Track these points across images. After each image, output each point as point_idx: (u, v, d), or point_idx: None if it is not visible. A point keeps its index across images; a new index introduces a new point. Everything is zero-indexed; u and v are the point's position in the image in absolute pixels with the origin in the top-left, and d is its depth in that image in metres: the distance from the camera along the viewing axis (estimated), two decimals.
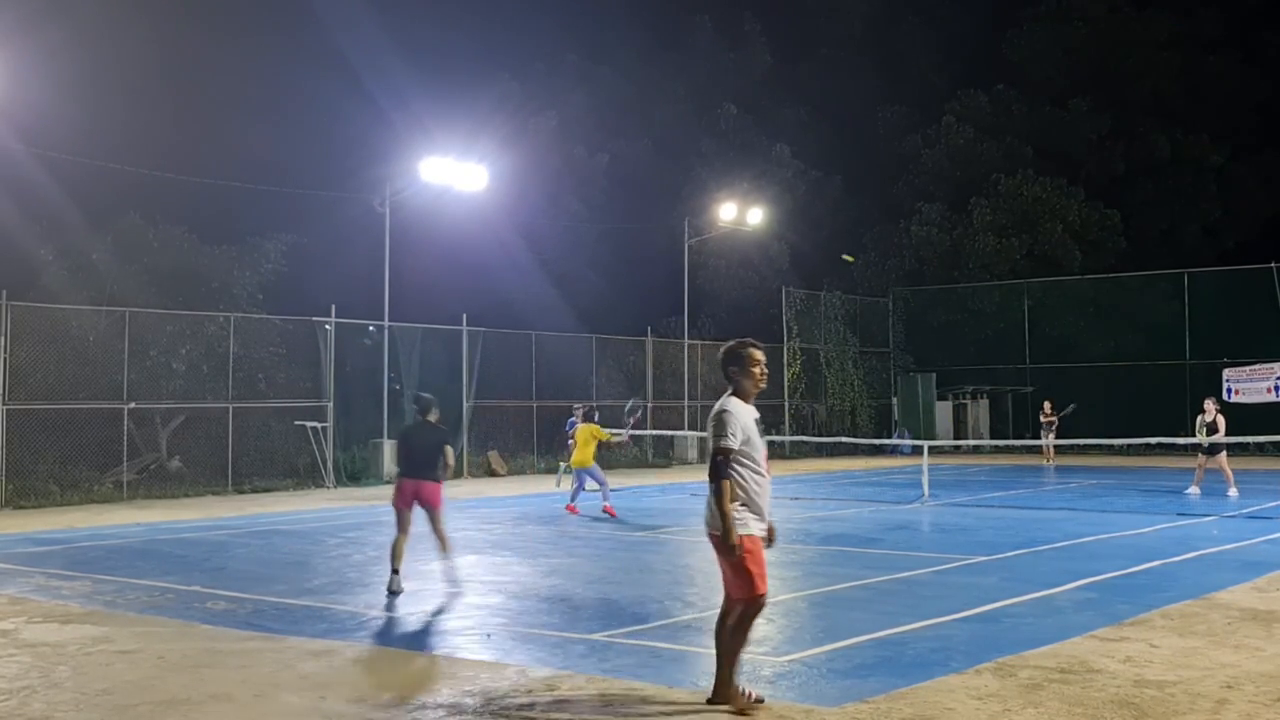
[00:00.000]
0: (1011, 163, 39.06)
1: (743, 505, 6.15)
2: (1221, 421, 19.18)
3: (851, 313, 36.60)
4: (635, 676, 6.93)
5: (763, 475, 6.27)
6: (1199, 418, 19.52)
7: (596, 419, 17.53)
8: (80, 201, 24.31)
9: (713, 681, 6.28)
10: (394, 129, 31.68)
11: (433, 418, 10.65)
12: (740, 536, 6.10)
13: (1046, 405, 28.93)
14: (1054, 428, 28.38)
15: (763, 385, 6.49)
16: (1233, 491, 18.87)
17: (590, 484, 16.90)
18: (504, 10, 40.16)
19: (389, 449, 23.80)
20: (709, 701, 6.21)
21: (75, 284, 21.82)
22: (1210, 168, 41.07)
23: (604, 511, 16.44)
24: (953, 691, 6.47)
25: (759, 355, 6.48)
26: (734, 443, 6.15)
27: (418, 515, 10.42)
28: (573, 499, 17.02)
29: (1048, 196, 37.71)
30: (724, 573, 6.28)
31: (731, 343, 6.59)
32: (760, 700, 6.25)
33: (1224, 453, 19.45)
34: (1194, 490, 19.44)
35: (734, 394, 6.39)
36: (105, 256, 22.62)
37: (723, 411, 6.25)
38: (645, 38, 41.68)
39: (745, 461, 6.19)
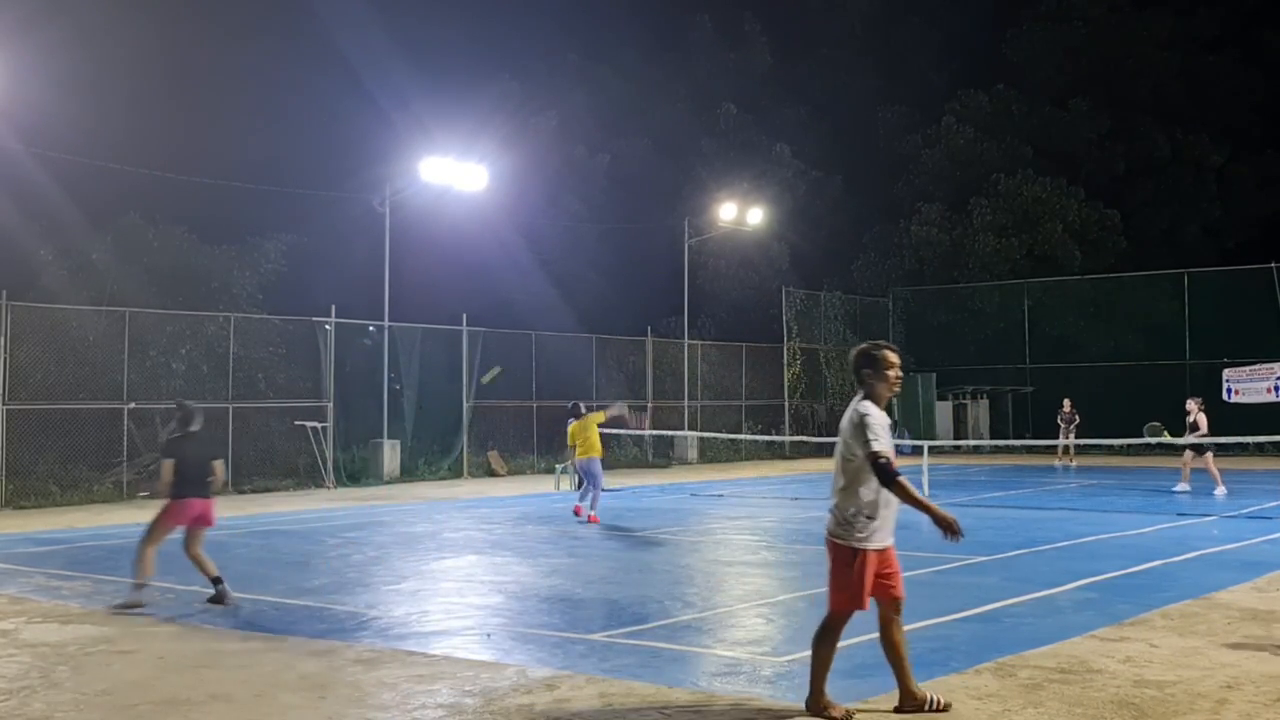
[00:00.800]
0: (1011, 163, 39.03)
1: (867, 518, 5.94)
2: (1203, 420, 19.14)
3: (851, 313, 36.60)
4: (635, 676, 6.93)
5: None
6: (1187, 419, 19.52)
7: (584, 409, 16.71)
8: (80, 201, 24.32)
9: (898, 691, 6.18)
10: (394, 129, 31.70)
11: (196, 427, 9.77)
12: (861, 552, 5.96)
13: (1066, 404, 28.14)
14: (1074, 425, 27.54)
15: (897, 389, 6.17)
16: (1219, 490, 18.74)
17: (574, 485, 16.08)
18: (504, 10, 40.24)
19: (389, 449, 23.85)
20: (897, 709, 6.08)
21: (75, 284, 21.85)
22: (1210, 168, 41.04)
23: (576, 511, 15.75)
24: (953, 691, 6.46)
25: (894, 358, 6.14)
26: (883, 446, 5.84)
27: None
28: (589, 503, 16.00)
29: (1048, 196, 37.68)
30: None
31: (864, 344, 6.27)
32: (847, 714, 6.11)
33: (1210, 452, 19.41)
34: (1183, 486, 19.43)
35: (866, 398, 6.07)
36: (105, 256, 22.64)
37: (865, 416, 5.92)
38: (645, 38, 41.69)
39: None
